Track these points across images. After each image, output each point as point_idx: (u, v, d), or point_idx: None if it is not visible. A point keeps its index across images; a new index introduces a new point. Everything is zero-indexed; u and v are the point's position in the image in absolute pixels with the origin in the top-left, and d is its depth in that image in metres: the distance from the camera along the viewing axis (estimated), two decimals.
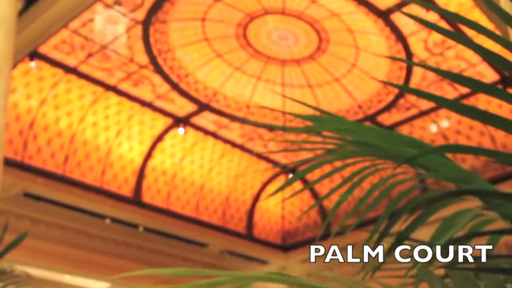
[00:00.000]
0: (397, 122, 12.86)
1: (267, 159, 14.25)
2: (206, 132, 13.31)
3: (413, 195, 1.78)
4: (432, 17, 9.91)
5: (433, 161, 1.52)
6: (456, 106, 1.36)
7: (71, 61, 11.17)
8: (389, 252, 1.68)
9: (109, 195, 12.66)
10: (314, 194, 14.92)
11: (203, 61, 11.66)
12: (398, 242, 1.68)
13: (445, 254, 1.64)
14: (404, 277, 1.93)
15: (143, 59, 11.31)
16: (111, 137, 12.60)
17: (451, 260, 1.59)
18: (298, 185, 14.86)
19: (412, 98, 12.36)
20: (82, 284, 14.61)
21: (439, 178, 1.57)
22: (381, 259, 1.71)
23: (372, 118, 12.71)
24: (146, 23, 10.61)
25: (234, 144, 13.78)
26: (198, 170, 13.98)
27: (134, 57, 11.27)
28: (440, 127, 13.00)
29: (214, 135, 13.42)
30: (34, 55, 10.71)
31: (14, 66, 9.71)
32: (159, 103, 12.38)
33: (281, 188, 1.96)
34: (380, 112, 12.60)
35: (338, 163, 1.89)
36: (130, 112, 12.45)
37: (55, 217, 12.18)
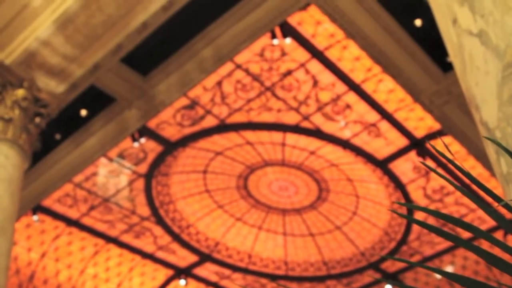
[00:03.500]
0: (400, 269, 12.73)
1: None
2: (208, 283, 13.14)
3: None
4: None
5: None
6: (470, 246, 1.38)
7: (73, 214, 11.25)
8: None
9: None
10: None
11: (204, 212, 11.75)
12: None
13: None
14: None
15: (145, 211, 11.40)
16: None
17: None
18: None
19: (415, 244, 12.31)
20: None
21: None
22: None
23: (375, 265, 12.59)
24: (148, 176, 10.80)
25: None
26: None
27: (136, 209, 11.37)
28: None
29: (216, 285, 13.23)
30: (37, 208, 10.81)
31: (17, 219, 9.77)
32: (160, 254, 12.32)
33: None
34: (383, 259, 12.50)
35: None
36: (131, 264, 12.36)
37: None
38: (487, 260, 1.45)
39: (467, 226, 1.40)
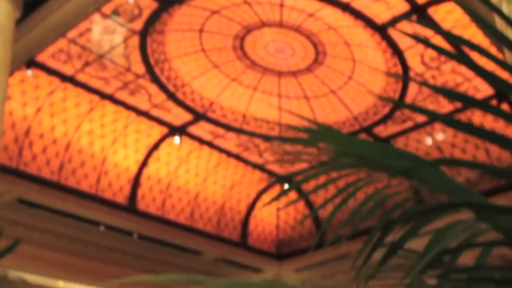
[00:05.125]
0: (392, 134, 12.88)
1: (263, 169, 14.27)
2: (202, 141, 13.33)
3: (406, 206, 1.81)
4: (428, 32, 9.94)
5: (427, 174, 1.52)
6: (449, 121, 1.38)
7: (67, 70, 11.17)
8: (382, 262, 1.71)
9: (104, 202, 12.66)
10: (309, 204, 14.94)
11: (199, 71, 11.67)
12: (392, 252, 1.71)
13: (437, 264, 1.67)
14: (397, 286, 1.95)
15: (140, 68, 11.33)
16: (107, 145, 12.60)
17: (443, 270, 1.61)
18: (293, 195, 14.88)
19: (408, 110, 12.40)
20: None
21: (433, 190, 1.58)
22: (374, 268, 1.75)
23: (368, 130, 12.73)
24: (143, 33, 10.63)
25: (229, 154, 13.79)
26: (193, 178, 13.99)
27: (131, 67, 11.28)
28: (435, 139, 13.03)
29: (210, 144, 13.44)
30: (31, 63, 10.72)
31: (11, 74, 9.72)
32: (155, 112, 12.39)
33: (277, 198, 2.00)
34: (376, 124, 12.62)
35: (333, 174, 1.92)
36: (126, 121, 12.46)
37: (49, 223, 12.17)
38: (475, 135, 1.42)
39: (457, 96, 1.37)
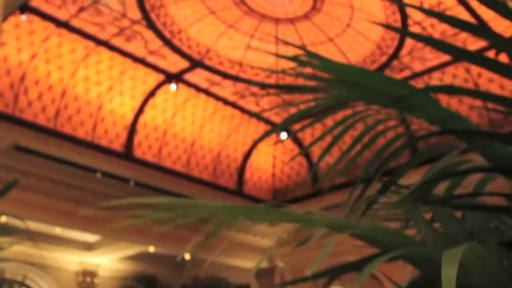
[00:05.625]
0: None
1: (259, 117, 14.26)
2: (198, 89, 13.27)
3: (398, 143, 1.82)
4: None
5: (420, 101, 1.51)
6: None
7: (62, 15, 11.03)
8: (377, 196, 1.73)
9: (100, 149, 12.67)
10: (305, 153, 14.98)
11: (196, 18, 11.54)
12: (386, 186, 1.72)
13: (430, 193, 1.67)
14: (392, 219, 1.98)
15: (136, 14, 11.19)
16: (103, 92, 12.55)
17: (436, 199, 1.62)
18: (289, 143, 14.93)
19: (406, 59, 12.32)
20: (73, 237, 14.79)
21: (426, 119, 1.57)
22: (369, 200, 1.77)
23: None
24: None
25: (226, 102, 13.76)
26: (189, 126, 13.98)
27: (127, 12, 11.14)
28: None
29: (206, 92, 13.38)
30: (25, 8, 10.57)
31: (5, 19, 9.60)
32: (151, 59, 12.30)
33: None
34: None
35: (329, 122, 1.92)
36: (122, 68, 12.37)
37: (46, 170, 12.21)
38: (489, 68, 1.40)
39: (448, 47, 1.34)
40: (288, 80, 12.78)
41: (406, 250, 1.10)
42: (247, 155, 15.17)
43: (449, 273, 0.91)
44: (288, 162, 15.19)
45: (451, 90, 1.40)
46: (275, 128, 14.41)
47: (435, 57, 11.93)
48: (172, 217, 1.49)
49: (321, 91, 1.83)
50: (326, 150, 2.03)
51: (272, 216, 1.41)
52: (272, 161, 15.50)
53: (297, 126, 14.28)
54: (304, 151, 14.52)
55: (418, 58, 12.14)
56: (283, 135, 14.73)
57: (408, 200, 1.65)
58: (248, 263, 15.89)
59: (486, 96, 1.37)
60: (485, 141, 1.41)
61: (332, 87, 1.63)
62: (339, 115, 1.95)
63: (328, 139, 1.98)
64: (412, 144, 1.89)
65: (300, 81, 12.97)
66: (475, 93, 1.35)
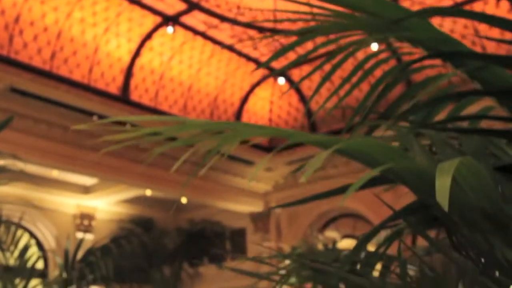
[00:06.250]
0: None
1: (257, 61, 14.14)
2: (196, 32, 13.12)
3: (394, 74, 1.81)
4: None
5: (416, 24, 1.48)
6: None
7: None
8: (374, 127, 1.73)
9: (96, 92, 12.60)
10: (302, 98, 14.95)
11: None
12: (383, 117, 1.72)
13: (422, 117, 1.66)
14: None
15: None
16: (99, 34, 12.40)
17: (432, 123, 1.61)
18: (287, 88, 14.85)
19: None
20: (70, 180, 14.84)
21: (421, 41, 1.54)
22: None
23: None
24: None
25: (223, 45, 13.62)
26: (186, 70, 13.88)
27: None
28: None
29: (204, 35, 13.23)
30: None
31: None
32: (148, 1, 12.11)
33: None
34: None
35: (327, 68, 1.91)
36: (118, 9, 12.20)
37: (42, 112, 12.16)
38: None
39: None
40: (286, 24, 12.65)
41: (396, 164, 1.08)
42: (244, 100, 15.12)
43: (443, 182, 0.90)
44: (282, 95, 15.13)
45: (447, 12, 1.36)
46: (273, 73, 14.32)
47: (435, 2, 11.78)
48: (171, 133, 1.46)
49: (319, 34, 1.79)
50: (319, 86, 2.01)
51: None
52: (269, 106, 15.46)
53: (295, 71, 14.20)
54: (295, 86, 14.43)
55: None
56: (281, 80, 14.65)
57: (404, 128, 1.64)
58: (244, 207, 16.02)
59: (482, 18, 1.33)
60: (481, 64, 1.39)
61: (330, 17, 1.59)
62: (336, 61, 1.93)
63: (328, 86, 1.95)
64: (406, 75, 1.87)
65: (299, 25, 12.80)
66: (472, 14, 1.32)
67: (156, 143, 1.49)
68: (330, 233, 15.81)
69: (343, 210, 15.36)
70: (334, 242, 15.00)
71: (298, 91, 14.90)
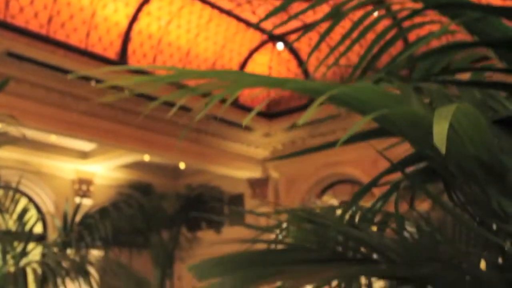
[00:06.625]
0: None
1: (255, 27, 14.04)
2: None
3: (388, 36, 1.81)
4: None
5: None
6: None
7: None
8: (372, 82, 1.74)
9: (94, 57, 12.52)
10: (301, 63, 14.88)
11: None
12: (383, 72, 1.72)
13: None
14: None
15: None
16: None
17: (430, 74, 1.61)
18: (285, 54, 14.79)
19: None
20: (69, 145, 14.84)
21: None
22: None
23: None
24: None
25: (222, 10, 13.50)
26: (184, 34, 13.78)
27: None
28: None
29: None
30: None
31: None
32: None
33: None
34: None
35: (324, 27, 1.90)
36: None
37: (39, 77, 12.09)
38: None
39: None
40: None
41: (391, 110, 1.07)
42: (243, 65, 15.05)
43: (440, 127, 0.89)
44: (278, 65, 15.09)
45: None
46: (270, 37, 14.23)
47: None
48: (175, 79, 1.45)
49: None
50: (316, 47, 2.00)
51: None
52: (268, 71, 15.39)
53: (294, 36, 14.12)
54: (289, 46, 14.38)
55: None
56: (279, 45, 14.57)
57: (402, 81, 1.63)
58: (242, 172, 16.06)
59: None
60: (479, 15, 1.37)
61: None
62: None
63: (324, 48, 1.93)
64: (404, 31, 1.86)
65: None
66: None
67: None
68: (328, 199, 15.88)
69: (340, 176, 15.42)
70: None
71: (297, 57, 14.82)
